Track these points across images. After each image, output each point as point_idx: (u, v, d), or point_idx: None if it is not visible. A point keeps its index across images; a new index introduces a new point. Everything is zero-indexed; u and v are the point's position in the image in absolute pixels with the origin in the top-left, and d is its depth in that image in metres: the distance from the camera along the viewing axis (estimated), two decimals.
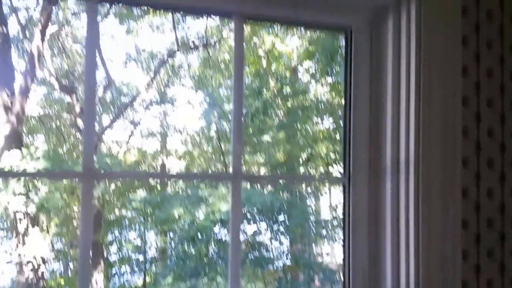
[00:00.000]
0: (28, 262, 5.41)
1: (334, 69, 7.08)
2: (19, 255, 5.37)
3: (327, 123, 7.79)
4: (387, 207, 1.38)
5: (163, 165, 7.55)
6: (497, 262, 1.44)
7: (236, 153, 1.36)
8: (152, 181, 6.98)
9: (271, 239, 7.01)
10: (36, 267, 5.46)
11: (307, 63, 7.43)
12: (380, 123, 1.43)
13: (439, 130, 1.33)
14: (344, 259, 1.44)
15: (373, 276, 1.41)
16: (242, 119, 1.39)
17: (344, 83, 1.48)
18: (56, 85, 5.91)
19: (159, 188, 7.12)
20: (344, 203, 1.44)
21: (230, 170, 1.37)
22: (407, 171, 1.33)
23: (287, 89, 7.18)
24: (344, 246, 1.44)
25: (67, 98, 6.16)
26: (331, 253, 7.42)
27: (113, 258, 7.26)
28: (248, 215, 6.77)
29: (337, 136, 7.31)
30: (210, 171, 7.87)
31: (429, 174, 1.31)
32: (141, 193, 6.50)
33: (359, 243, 1.42)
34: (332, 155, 7.47)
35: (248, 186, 6.86)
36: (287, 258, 7.14)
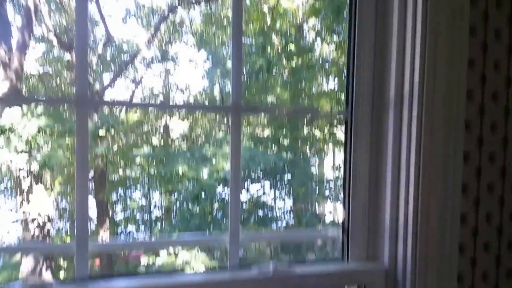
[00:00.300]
0: (33, 219, 5.47)
1: (340, 27, 6.89)
2: (24, 212, 5.43)
3: (332, 83, 7.68)
4: (389, 140, 1.35)
5: (166, 126, 7.51)
6: (497, 196, 1.43)
7: (236, 84, 1.29)
8: (155, 141, 6.95)
9: (274, 198, 7.07)
10: (41, 224, 5.54)
11: (313, 20, 7.22)
12: (385, 54, 1.37)
13: (444, 62, 1.27)
14: (344, 194, 1.40)
15: (373, 210, 1.40)
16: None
17: (348, 11, 1.38)
18: (55, 42, 5.79)
19: (162, 151, 7.10)
20: (345, 138, 1.39)
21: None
22: (411, 104, 1.30)
23: (291, 48, 7.02)
24: (344, 179, 1.40)
25: (67, 56, 6.05)
26: (333, 212, 7.48)
27: (119, 217, 7.35)
28: (252, 175, 6.79)
29: (342, 97, 7.21)
30: (214, 132, 7.81)
31: (433, 107, 1.27)
32: (145, 152, 6.48)
33: (360, 178, 1.38)
34: (336, 116, 7.39)
35: (252, 145, 6.84)
36: (290, 218, 7.22)
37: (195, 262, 5.81)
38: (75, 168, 1.20)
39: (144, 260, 6.04)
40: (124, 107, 6.53)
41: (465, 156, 1.36)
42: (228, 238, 1.31)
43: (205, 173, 6.01)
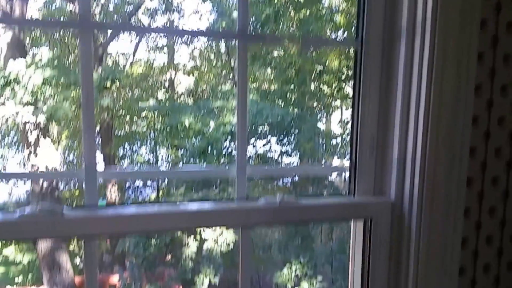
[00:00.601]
0: (41, 172, 5.53)
1: None
2: (32, 165, 5.48)
3: (341, 37, 7.50)
4: (399, 72, 1.29)
5: (171, 80, 7.43)
6: (508, 129, 1.39)
7: (242, 10, 1.23)
8: (160, 96, 6.91)
9: (281, 154, 7.08)
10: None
11: None
12: None
13: None
14: (352, 128, 1.37)
15: (381, 144, 1.37)
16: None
17: None
18: None
19: (167, 103, 7.07)
20: (355, 70, 1.34)
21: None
22: (423, 32, 1.23)
23: None
24: (353, 114, 1.37)
25: (70, 6, 5.91)
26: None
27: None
28: (259, 130, 6.77)
29: (351, 51, 7.04)
30: (220, 88, 7.73)
31: (446, 36, 1.21)
32: (150, 105, 6.45)
33: (368, 112, 1.35)
34: (345, 71, 7.28)
35: (259, 99, 6.79)
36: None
37: None
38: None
39: None
40: (128, 61, 6.43)
41: (476, 89, 1.32)
42: (235, 170, 1.29)
43: (211, 127, 6.00)
